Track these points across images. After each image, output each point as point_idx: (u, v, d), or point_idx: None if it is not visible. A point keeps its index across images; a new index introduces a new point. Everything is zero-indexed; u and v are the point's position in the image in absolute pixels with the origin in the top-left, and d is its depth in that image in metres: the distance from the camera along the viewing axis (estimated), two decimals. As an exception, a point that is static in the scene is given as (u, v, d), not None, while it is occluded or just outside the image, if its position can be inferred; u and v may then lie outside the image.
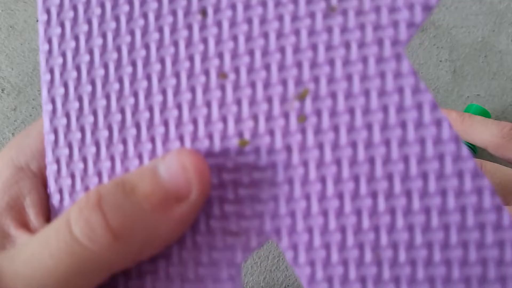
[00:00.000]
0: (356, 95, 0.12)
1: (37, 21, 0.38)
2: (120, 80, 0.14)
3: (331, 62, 0.13)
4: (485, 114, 0.36)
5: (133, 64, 0.14)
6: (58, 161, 0.15)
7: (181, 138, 0.14)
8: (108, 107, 0.14)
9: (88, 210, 0.12)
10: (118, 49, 0.14)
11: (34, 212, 0.15)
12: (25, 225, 0.15)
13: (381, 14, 0.12)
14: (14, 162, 0.16)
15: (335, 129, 0.13)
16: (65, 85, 0.15)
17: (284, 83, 0.13)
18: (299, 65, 0.13)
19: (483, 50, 0.42)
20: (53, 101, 0.15)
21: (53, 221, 0.13)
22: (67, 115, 0.15)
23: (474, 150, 0.36)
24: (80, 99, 0.15)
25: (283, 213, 0.13)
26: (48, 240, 0.12)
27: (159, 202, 0.12)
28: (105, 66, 0.14)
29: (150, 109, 0.14)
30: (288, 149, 0.13)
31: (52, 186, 0.15)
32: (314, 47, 0.13)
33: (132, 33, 0.14)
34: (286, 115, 0.13)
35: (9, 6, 0.38)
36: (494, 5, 0.44)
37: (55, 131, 0.15)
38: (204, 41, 0.13)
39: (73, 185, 0.15)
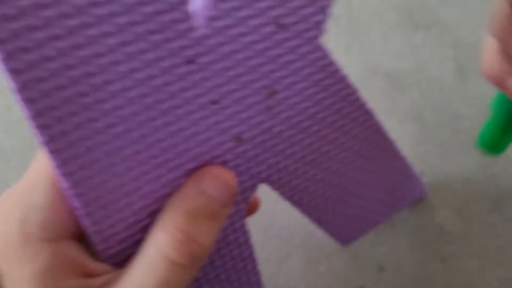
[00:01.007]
0: None
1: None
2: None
3: None
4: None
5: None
6: None
7: None
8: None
9: (186, 245, 0.16)
10: None
11: (89, 260, 0.17)
12: (87, 275, 0.17)
13: None
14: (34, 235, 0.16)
15: None
16: None
17: None
18: None
19: (488, 48, 0.42)
20: None
21: (140, 256, 0.16)
22: None
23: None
24: None
25: None
26: (148, 268, 0.16)
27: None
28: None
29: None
30: None
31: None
32: None
33: None
34: None
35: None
36: (499, 3, 0.43)
37: None
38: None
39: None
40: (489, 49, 0.20)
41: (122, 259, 0.18)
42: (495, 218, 0.39)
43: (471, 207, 0.39)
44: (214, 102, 0.17)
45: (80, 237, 0.18)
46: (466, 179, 0.40)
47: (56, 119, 0.14)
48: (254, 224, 0.35)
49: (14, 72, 0.13)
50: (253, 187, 0.21)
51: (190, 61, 0.16)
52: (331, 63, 0.20)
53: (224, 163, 0.19)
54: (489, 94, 0.39)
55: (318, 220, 0.26)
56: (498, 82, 0.21)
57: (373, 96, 0.40)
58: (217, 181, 0.17)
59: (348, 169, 0.24)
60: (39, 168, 0.17)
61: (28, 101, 0.14)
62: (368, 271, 0.37)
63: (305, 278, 0.35)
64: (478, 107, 0.39)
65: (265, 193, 0.35)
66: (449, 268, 0.38)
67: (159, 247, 0.16)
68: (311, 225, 0.35)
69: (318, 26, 0.18)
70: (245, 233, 0.21)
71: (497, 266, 0.38)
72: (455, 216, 0.39)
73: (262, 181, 0.21)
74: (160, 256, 0.15)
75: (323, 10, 0.18)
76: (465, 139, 0.40)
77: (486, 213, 0.39)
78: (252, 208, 0.28)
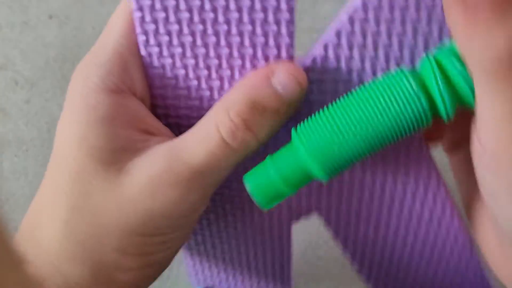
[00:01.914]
0: None
1: (50, 17, 0.39)
2: None
3: None
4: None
5: None
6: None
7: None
8: None
9: (241, 132, 0.16)
10: None
11: (151, 119, 0.19)
12: (146, 131, 0.18)
13: None
14: (118, 86, 0.18)
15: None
16: None
17: None
18: None
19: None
20: None
21: (199, 126, 0.17)
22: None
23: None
24: None
25: None
26: (201, 139, 0.16)
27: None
28: None
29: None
30: None
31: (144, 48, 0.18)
32: None
33: None
34: None
35: (23, 2, 0.40)
36: None
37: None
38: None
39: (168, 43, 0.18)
40: None
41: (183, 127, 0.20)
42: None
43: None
44: None
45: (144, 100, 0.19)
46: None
47: None
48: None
49: None
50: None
51: None
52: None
53: None
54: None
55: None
56: None
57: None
58: (288, 78, 0.16)
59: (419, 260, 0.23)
60: (110, 28, 0.18)
61: None
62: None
63: (306, 261, 0.37)
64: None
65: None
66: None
67: (216, 125, 0.16)
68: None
69: None
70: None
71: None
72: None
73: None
74: (215, 133, 0.16)
75: None
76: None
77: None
78: None
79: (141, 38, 0.18)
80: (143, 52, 0.18)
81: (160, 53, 0.18)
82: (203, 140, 0.16)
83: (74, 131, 0.17)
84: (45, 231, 0.17)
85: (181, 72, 0.19)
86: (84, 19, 0.40)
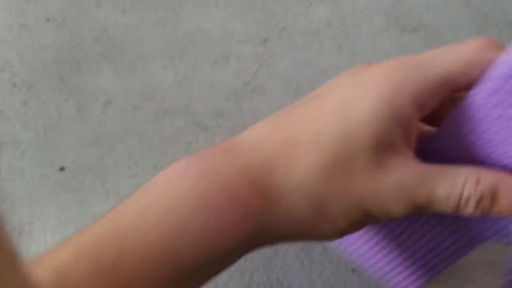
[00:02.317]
0: None
1: (48, 20, 0.40)
2: None
3: None
4: None
5: None
6: None
7: None
8: None
9: (484, 202, 0.19)
10: None
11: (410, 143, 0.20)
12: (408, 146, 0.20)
13: None
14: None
15: None
16: None
17: None
18: None
19: (469, 50, 0.45)
20: None
21: (448, 170, 0.19)
22: None
23: None
24: None
25: None
26: (446, 183, 0.19)
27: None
28: None
29: None
30: None
31: None
32: None
33: None
34: None
35: (21, 5, 0.40)
36: (479, 8, 0.46)
37: None
38: None
39: None
40: None
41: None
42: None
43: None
44: None
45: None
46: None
47: None
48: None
49: None
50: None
51: None
52: None
53: None
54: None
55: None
56: None
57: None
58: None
59: None
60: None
61: None
62: (358, 255, 0.39)
63: (300, 261, 0.37)
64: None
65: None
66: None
67: (467, 186, 0.19)
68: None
69: None
70: None
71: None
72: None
73: None
74: (459, 186, 0.19)
75: None
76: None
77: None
78: None
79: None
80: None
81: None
82: (451, 189, 0.19)
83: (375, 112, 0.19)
84: (301, 166, 0.19)
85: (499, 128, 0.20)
86: (82, 22, 0.40)
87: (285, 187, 0.19)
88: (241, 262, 0.36)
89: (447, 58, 0.20)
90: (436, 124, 0.22)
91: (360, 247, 0.26)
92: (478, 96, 0.19)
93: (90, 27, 0.40)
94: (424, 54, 0.21)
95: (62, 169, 0.38)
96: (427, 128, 0.23)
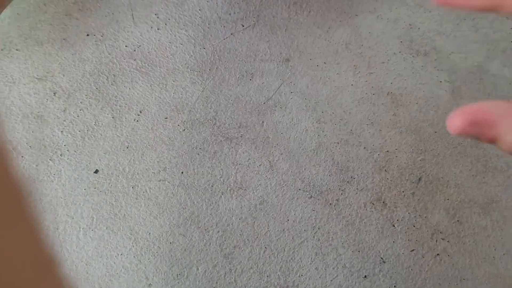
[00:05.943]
0: None
1: (87, 35, 0.43)
2: None
3: None
4: None
5: None
6: None
7: None
8: None
9: None
10: None
11: None
12: None
13: None
14: None
15: None
16: None
17: None
18: None
19: (478, 73, 0.47)
20: None
21: None
22: None
23: None
24: None
25: None
26: None
27: None
28: None
29: None
30: None
31: None
32: None
33: None
34: None
35: (63, 21, 0.43)
36: (488, 35, 0.48)
37: None
38: None
39: None
40: None
41: None
42: (485, 221, 0.43)
43: (463, 211, 0.43)
44: None
45: None
46: (459, 185, 0.44)
47: None
48: (271, 217, 0.39)
49: None
50: None
51: None
52: None
53: None
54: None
55: None
56: None
57: (377, 111, 0.45)
58: None
59: None
60: None
61: None
62: (370, 262, 0.41)
63: (315, 267, 0.39)
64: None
65: (282, 191, 0.40)
66: (442, 263, 0.42)
67: None
68: (321, 220, 0.39)
69: None
70: None
71: (485, 263, 0.42)
72: (449, 218, 0.43)
73: None
74: None
75: None
76: (458, 150, 0.45)
77: (476, 216, 0.43)
78: None
79: None
80: None
81: None
82: None
83: None
84: None
85: None
86: (118, 38, 0.43)
87: None
88: (260, 265, 0.38)
89: None
90: None
91: None
92: None
93: (126, 43, 0.43)
94: None
95: (96, 172, 0.41)
96: None
